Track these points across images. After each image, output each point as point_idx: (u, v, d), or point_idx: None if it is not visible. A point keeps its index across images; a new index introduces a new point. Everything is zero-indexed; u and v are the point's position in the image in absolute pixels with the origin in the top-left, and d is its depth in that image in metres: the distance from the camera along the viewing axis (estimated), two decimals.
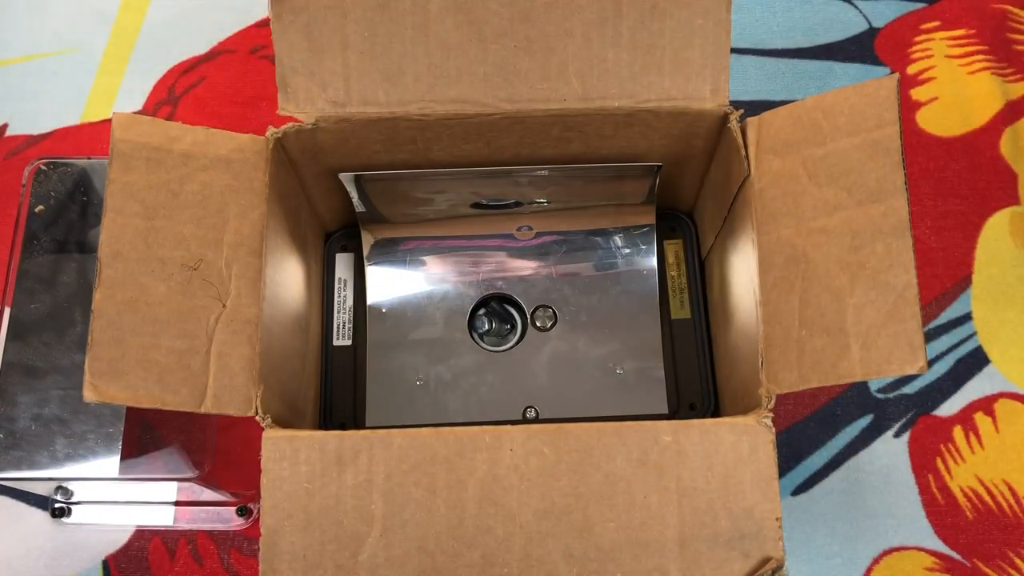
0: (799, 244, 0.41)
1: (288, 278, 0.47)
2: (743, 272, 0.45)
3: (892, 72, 0.67)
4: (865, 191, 0.39)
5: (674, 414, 0.51)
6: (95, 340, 0.38)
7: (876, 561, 0.56)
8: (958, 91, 0.66)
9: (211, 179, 0.42)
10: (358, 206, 0.51)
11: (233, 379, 0.40)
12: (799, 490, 0.58)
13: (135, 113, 0.42)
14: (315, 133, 0.45)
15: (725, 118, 0.44)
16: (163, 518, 0.56)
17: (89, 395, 0.37)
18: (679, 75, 0.44)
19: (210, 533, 0.57)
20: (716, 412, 0.51)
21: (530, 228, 0.53)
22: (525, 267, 0.53)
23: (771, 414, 0.39)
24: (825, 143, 0.41)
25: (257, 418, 0.39)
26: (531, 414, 0.51)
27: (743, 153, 0.43)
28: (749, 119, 0.44)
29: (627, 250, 0.53)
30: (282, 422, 0.42)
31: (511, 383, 0.51)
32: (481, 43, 0.43)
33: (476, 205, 0.52)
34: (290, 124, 0.44)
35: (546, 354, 0.52)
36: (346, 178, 0.48)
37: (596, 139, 0.47)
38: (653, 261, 0.53)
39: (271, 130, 0.43)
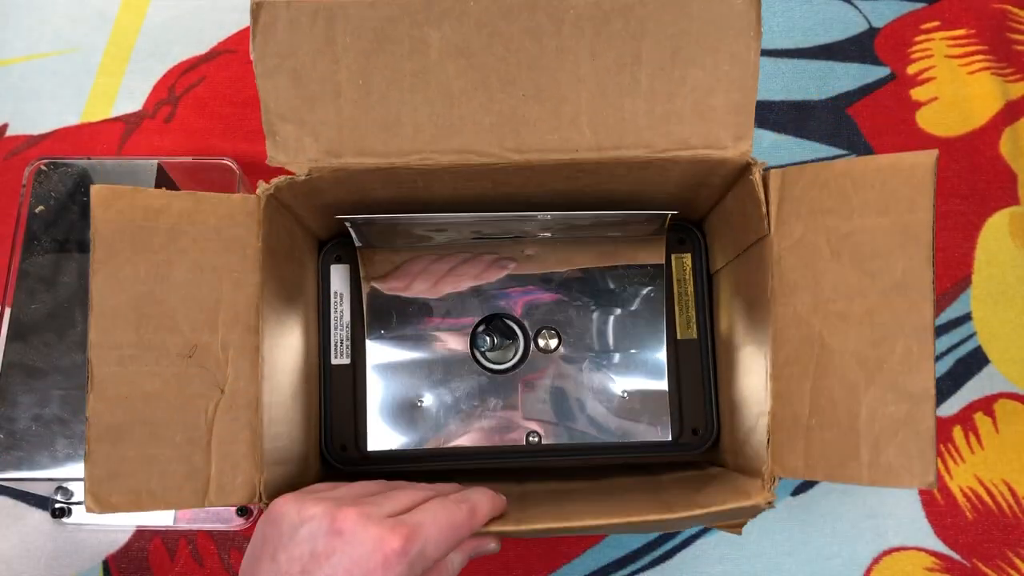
0: (816, 325, 0.39)
1: (286, 338, 0.45)
2: (754, 333, 0.44)
3: (892, 73, 0.67)
4: (890, 280, 0.38)
5: (677, 439, 0.51)
6: (92, 448, 0.37)
7: (876, 561, 0.56)
8: (958, 91, 0.66)
9: (201, 255, 0.39)
10: (356, 241, 0.50)
11: (235, 468, 0.39)
12: (799, 490, 0.58)
13: (114, 186, 0.38)
14: (309, 181, 0.42)
15: (747, 167, 0.42)
16: (163, 518, 0.56)
17: (91, 506, 0.36)
18: (700, 123, 0.41)
19: (210, 533, 0.57)
20: (718, 439, 0.51)
21: (533, 255, 0.52)
22: (528, 287, 0.52)
23: (775, 496, 0.39)
24: (852, 217, 0.39)
25: (260, 505, 0.39)
26: (534, 439, 0.50)
27: (763, 211, 0.41)
28: (772, 171, 0.41)
29: (634, 281, 0.52)
30: (286, 483, 0.42)
31: (513, 406, 0.51)
32: (486, 90, 0.41)
33: (478, 237, 0.51)
34: (282, 178, 0.42)
35: (549, 376, 0.51)
36: (345, 219, 0.47)
37: (607, 179, 0.45)
38: (661, 292, 0.52)
39: (262, 187, 0.41)
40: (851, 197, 0.39)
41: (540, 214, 0.47)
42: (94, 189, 0.38)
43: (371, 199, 0.46)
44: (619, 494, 0.45)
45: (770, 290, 0.41)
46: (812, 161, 0.41)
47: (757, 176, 0.41)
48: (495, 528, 0.39)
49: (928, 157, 0.37)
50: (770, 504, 0.38)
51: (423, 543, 0.35)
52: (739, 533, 0.44)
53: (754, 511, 0.40)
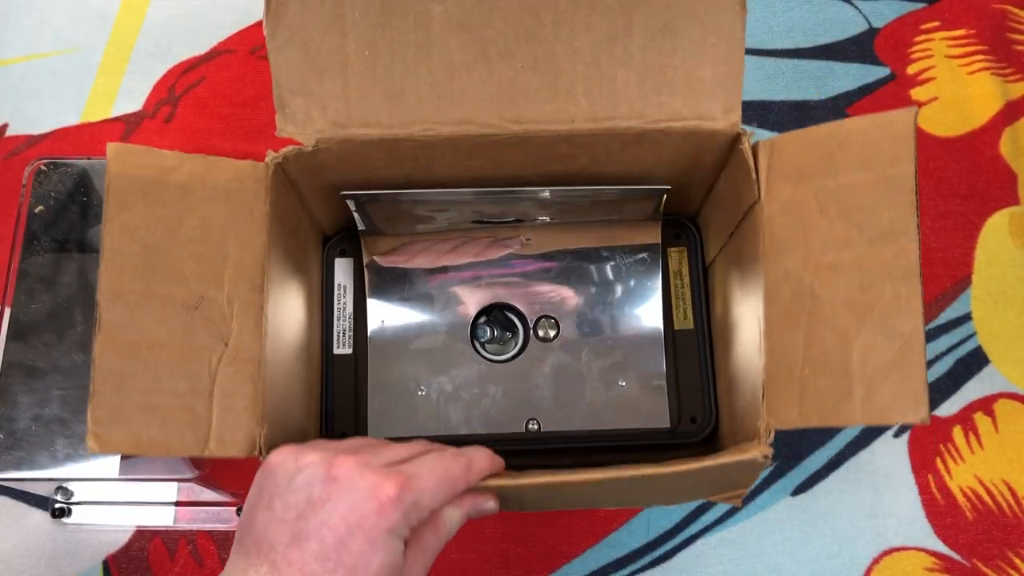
0: (806, 279, 0.40)
1: (289, 306, 0.46)
2: (748, 299, 0.44)
3: (892, 73, 0.67)
4: (877, 229, 0.38)
5: (675, 427, 0.51)
6: (96, 389, 0.37)
7: (876, 561, 0.56)
8: (958, 91, 0.66)
9: (210, 213, 0.40)
10: (359, 223, 0.51)
11: (236, 420, 0.39)
12: (799, 490, 0.58)
13: (130, 144, 0.40)
14: (315, 154, 0.43)
15: (737, 138, 0.43)
16: (163, 518, 0.57)
17: (93, 445, 0.37)
18: (691, 95, 0.43)
19: (210, 533, 0.57)
20: (716, 426, 0.51)
21: (532, 241, 0.53)
22: (528, 277, 0.53)
23: (771, 450, 0.39)
24: (838, 175, 0.40)
25: (261, 459, 0.39)
26: (533, 426, 0.50)
27: (753, 177, 0.42)
28: (761, 141, 0.43)
29: (631, 263, 0.53)
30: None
31: (513, 395, 0.51)
32: (486, 62, 0.42)
33: (478, 222, 0.51)
34: (290, 148, 0.43)
35: (548, 365, 0.51)
36: (348, 196, 0.48)
37: (603, 155, 0.46)
38: (657, 275, 0.52)
39: (271, 155, 0.43)
40: (836, 156, 0.40)
41: (540, 189, 0.48)
42: (111, 146, 0.39)
43: (374, 181, 0.47)
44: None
45: (762, 251, 0.42)
46: None
47: (746, 145, 0.43)
48: (493, 483, 0.39)
49: (908, 114, 0.38)
50: (767, 458, 0.38)
51: (418, 492, 0.35)
52: (739, 504, 0.44)
53: (752, 466, 0.40)
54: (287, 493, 0.35)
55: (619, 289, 0.52)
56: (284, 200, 0.44)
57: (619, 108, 0.43)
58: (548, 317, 0.52)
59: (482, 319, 0.52)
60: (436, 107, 0.42)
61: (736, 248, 0.47)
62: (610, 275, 0.53)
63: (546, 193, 0.48)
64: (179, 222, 0.40)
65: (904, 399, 0.36)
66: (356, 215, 0.50)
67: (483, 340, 0.52)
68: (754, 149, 0.43)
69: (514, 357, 0.52)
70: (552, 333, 0.52)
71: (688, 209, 0.54)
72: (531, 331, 0.52)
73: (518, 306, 0.52)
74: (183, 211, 0.40)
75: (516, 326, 0.52)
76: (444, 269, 0.53)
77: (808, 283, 0.40)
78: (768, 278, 0.41)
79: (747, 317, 0.45)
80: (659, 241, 0.52)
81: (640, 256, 0.53)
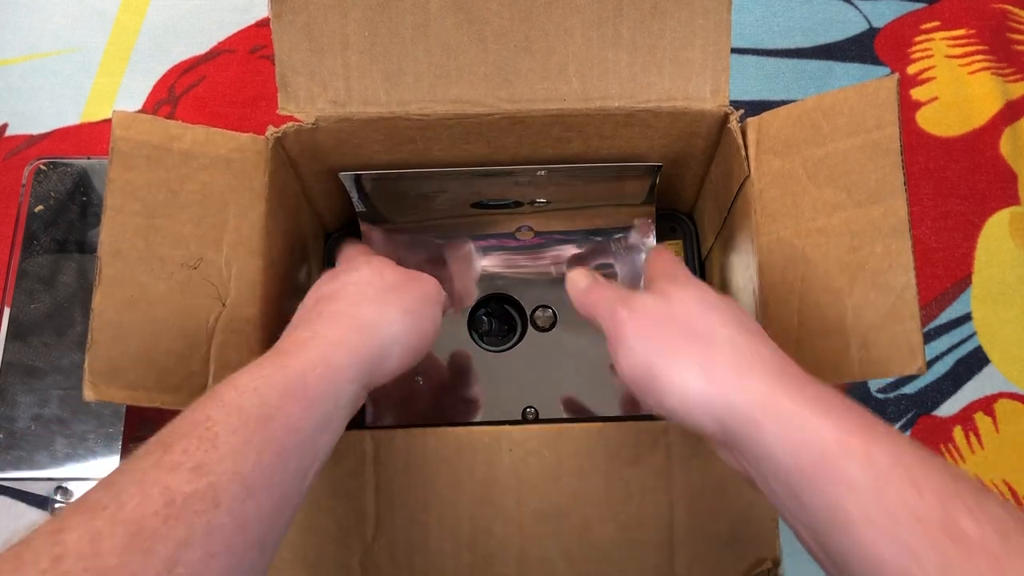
0: (799, 245, 0.41)
1: (289, 286, 0.46)
2: (743, 272, 0.45)
3: (892, 72, 0.67)
4: (865, 191, 0.39)
5: None
6: (95, 339, 0.38)
7: None
8: (958, 91, 0.66)
9: (211, 178, 0.41)
10: (358, 205, 0.51)
11: None
12: None
13: (135, 112, 0.41)
14: (315, 133, 0.45)
15: (725, 118, 0.44)
16: None
17: (88, 394, 0.37)
18: (679, 75, 0.44)
19: None
20: None
21: (530, 228, 0.53)
22: (525, 267, 0.53)
23: None
24: (825, 143, 0.41)
25: None
26: (530, 414, 0.51)
27: (743, 153, 0.43)
28: (749, 119, 0.43)
29: (626, 247, 0.53)
30: None
31: (511, 383, 0.51)
32: (481, 43, 0.43)
33: (476, 205, 0.52)
34: (290, 124, 0.44)
35: (545, 354, 0.52)
36: (346, 177, 0.48)
37: (596, 139, 0.47)
38: None
39: (271, 129, 0.43)
40: (822, 126, 0.41)
41: (536, 167, 0.49)
42: (116, 113, 0.40)
43: (373, 165, 0.48)
44: None
45: (754, 223, 0.42)
46: None
47: (735, 123, 0.44)
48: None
49: (891, 80, 0.40)
50: None
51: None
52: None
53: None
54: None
55: (615, 275, 0.53)
56: (284, 177, 0.45)
57: (609, 88, 0.44)
58: (545, 307, 0.52)
59: (480, 311, 0.53)
60: (432, 86, 0.44)
61: (730, 229, 0.48)
62: (605, 259, 0.53)
63: (542, 171, 0.49)
64: (180, 185, 0.41)
65: (899, 351, 0.37)
66: (354, 197, 0.50)
67: (481, 332, 0.53)
68: (742, 128, 0.44)
69: (512, 347, 0.52)
70: (549, 324, 0.52)
71: (683, 205, 0.56)
72: (528, 321, 0.52)
73: (515, 296, 0.53)
74: (185, 175, 0.41)
75: (514, 318, 0.53)
76: (443, 260, 0.53)
77: (800, 248, 0.41)
78: (761, 248, 0.42)
79: (744, 292, 0.45)
80: (652, 218, 0.53)
81: (635, 239, 0.53)
